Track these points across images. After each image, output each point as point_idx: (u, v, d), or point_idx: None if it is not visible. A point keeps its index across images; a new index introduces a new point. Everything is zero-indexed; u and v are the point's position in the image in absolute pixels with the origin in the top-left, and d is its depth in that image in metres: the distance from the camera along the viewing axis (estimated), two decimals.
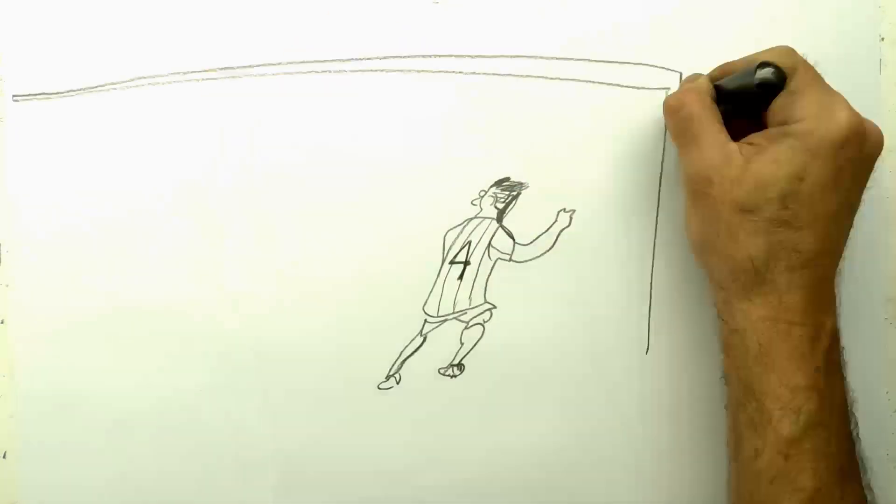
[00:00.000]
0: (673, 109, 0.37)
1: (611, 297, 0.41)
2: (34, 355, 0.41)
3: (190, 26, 0.40)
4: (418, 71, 0.41)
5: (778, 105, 0.35)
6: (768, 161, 0.34)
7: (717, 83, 0.38)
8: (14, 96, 0.40)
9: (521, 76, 0.41)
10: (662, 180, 0.41)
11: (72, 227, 0.40)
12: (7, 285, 0.41)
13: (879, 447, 0.42)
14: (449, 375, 0.42)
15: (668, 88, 0.41)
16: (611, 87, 0.41)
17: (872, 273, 0.42)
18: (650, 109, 0.41)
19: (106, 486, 0.41)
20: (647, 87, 0.41)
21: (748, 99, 0.36)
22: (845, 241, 0.37)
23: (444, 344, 0.41)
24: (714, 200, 0.35)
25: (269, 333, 0.41)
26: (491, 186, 0.41)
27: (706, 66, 0.41)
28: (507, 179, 0.41)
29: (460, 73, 0.41)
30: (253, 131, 0.40)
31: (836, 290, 0.36)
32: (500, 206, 0.41)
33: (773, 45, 0.35)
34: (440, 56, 0.41)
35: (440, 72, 0.41)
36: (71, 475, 0.41)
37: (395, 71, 0.41)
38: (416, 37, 0.41)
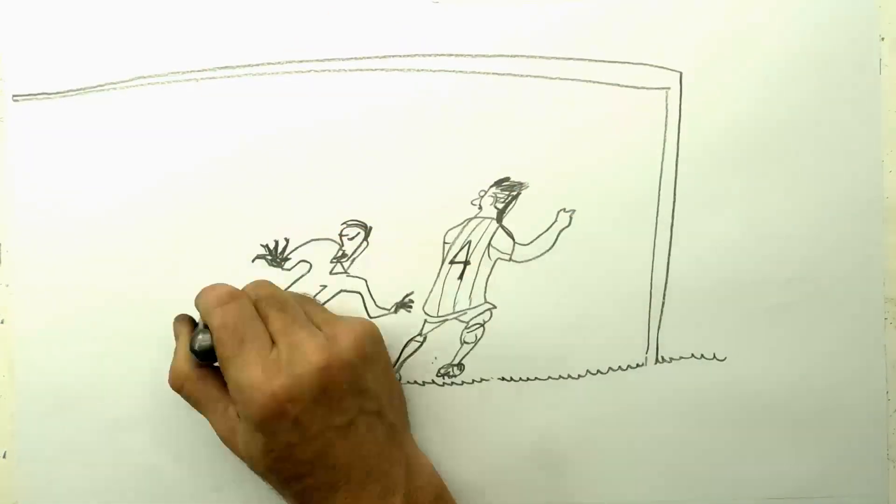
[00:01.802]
0: (176, 390, 0.38)
1: (611, 296, 0.41)
2: (34, 354, 0.41)
3: (190, 26, 0.40)
4: (418, 70, 0.41)
5: None
6: (242, 444, 0.36)
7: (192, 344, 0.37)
8: (14, 96, 0.40)
9: (521, 76, 0.41)
10: (662, 180, 0.41)
11: (72, 227, 0.40)
12: (7, 285, 0.41)
13: (879, 447, 0.42)
14: (449, 375, 0.42)
15: (669, 88, 0.41)
16: (611, 87, 0.41)
17: (872, 273, 0.42)
18: (650, 109, 0.41)
19: (106, 486, 0.41)
20: (647, 87, 0.41)
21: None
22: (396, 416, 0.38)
23: (444, 344, 0.41)
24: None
25: None
26: (491, 186, 0.41)
27: (706, 66, 0.41)
28: (507, 179, 0.41)
29: (460, 72, 0.41)
30: (253, 131, 0.41)
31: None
32: (500, 206, 0.41)
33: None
34: (440, 56, 0.41)
35: (440, 71, 0.41)
36: (71, 475, 0.41)
37: (394, 70, 0.41)
38: (416, 37, 0.41)
